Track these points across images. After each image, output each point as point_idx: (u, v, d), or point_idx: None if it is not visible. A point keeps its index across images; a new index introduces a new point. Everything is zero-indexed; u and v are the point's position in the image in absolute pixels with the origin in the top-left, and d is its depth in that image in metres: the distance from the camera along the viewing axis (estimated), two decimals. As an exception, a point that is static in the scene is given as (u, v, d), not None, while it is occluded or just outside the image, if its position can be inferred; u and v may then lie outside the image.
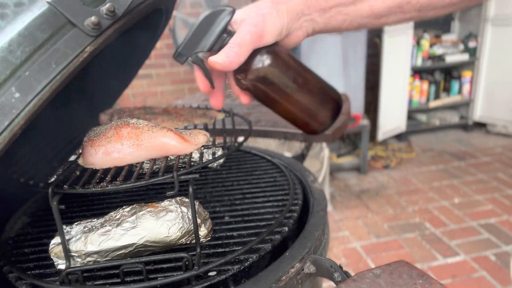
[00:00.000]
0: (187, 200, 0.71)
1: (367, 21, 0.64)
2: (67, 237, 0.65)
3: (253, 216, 0.81)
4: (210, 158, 0.70)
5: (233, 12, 0.58)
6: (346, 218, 2.82)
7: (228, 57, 0.56)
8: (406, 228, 2.65)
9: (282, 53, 0.61)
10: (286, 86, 0.62)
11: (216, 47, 0.57)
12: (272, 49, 0.60)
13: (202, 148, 0.72)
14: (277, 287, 0.64)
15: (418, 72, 4.10)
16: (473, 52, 4.07)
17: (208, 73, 0.60)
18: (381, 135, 3.76)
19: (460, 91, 4.26)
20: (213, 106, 0.65)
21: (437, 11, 0.63)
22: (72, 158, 0.74)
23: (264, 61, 0.59)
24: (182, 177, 0.61)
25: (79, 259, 0.64)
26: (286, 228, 0.75)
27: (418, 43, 3.93)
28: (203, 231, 0.69)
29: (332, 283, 0.65)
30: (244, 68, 0.59)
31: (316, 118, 0.66)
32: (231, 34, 0.58)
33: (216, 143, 0.76)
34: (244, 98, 0.65)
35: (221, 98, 0.65)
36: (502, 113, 4.03)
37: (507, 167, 3.40)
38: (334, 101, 0.66)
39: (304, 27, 0.63)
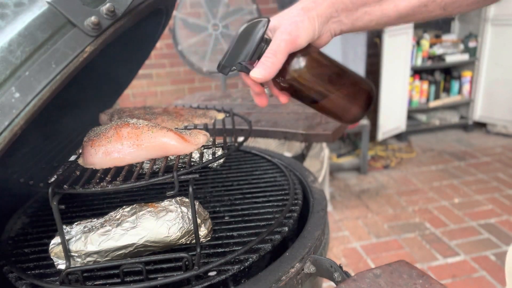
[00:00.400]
0: (187, 200, 0.71)
1: (392, 20, 0.66)
2: (67, 237, 0.65)
3: (253, 216, 0.81)
4: (210, 158, 0.70)
5: (268, 22, 0.62)
6: (346, 218, 2.82)
7: (265, 70, 0.61)
8: (406, 228, 2.65)
9: (315, 54, 0.66)
10: (320, 84, 0.67)
11: (255, 57, 0.63)
12: (306, 51, 0.64)
13: (202, 148, 0.72)
14: (277, 287, 0.64)
15: (418, 72, 4.10)
16: (473, 52, 4.07)
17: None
18: (381, 135, 3.76)
19: (460, 91, 4.26)
20: (259, 105, 0.69)
21: (461, 8, 0.65)
22: (72, 158, 0.74)
23: (299, 63, 0.64)
24: (182, 177, 0.61)
25: (79, 259, 0.64)
26: (286, 228, 0.75)
27: (418, 43, 3.93)
28: (203, 231, 0.69)
29: (332, 283, 0.65)
30: (282, 71, 0.63)
31: (351, 110, 0.70)
32: (267, 42, 0.62)
33: (216, 143, 0.76)
34: (283, 98, 0.69)
35: (265, 98, 0.69)
36: (502, 113, 4.02)
37: (507, 167, 3.40)
38: (367, 92, 0.70)
39: (332, 28, 0.66)
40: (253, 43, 0.62)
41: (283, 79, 0.65)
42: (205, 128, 0.87)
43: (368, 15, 0.65)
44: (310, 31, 0.62)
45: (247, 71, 0.63)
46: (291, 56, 0.63)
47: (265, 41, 0.62)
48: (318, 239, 0.76)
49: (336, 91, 0.67)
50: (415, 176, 3.38)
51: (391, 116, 3.77)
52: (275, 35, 0.62)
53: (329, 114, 0.71)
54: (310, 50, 0.65)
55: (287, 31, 0.61)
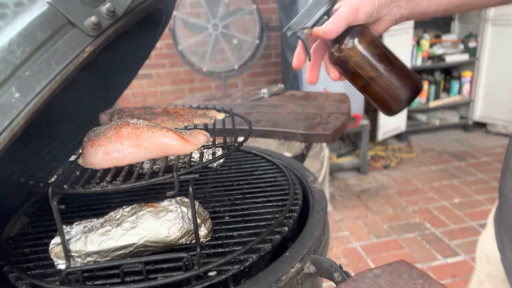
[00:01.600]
0: (187, 200, 0.71)
1: (451, 6, 0.70)
2: (67, 237, 0.65)
3: (253, 216, 0.81)
4: (210, 158, 0.70)
5: (335, 1, 0.70)
6: (346, 218, 2.82)
7: (328, 27, 0.67)
8: (406, 228, 2.65)
9: (371, 34, 0.70)
10: (372, 63, 0.69)
11: (318, 25, 0.69)
12: (363, 28, 0.69)
13: (202, 148, 0.72)
14: (277, 287, 0.64)
15: (418, 72, 4.09)
16: (473, 52, 4.07)
17: (308, 46, 0.71)
18: (381, 135, 3.76)
19: (460, 91, 4.26)
20: (308, 81, 0.74)
21: None
22: (72, 158, 0.74)
23: (356, 37, 0.68)
24: (182, 177, 0.61)
25: (79, 259, 0.64)
26: (286, 228, 0.75)
27: (418, 43, 3.92)
28: (203, 231, 0.69)
29: (332, 283, 0.65)
30: (339, 42, 0.69)
31: (396, 98, 0.71)
32: (330, 16, 0.69)
33: (216, 143, 0.76)
34: (333, 73, 0.73)
35: (316, 74, 0.74)
36: (502, 113, 4.02)
37: (507, 167, 3.39)
38: (415, 85, 0.72)
39: (393, 13, 0.70)
40: (318, 13, 0.69)
41: (337, 49, 0.69)
42: (205, 128, 0.87)
43: (427, 0, 0.68)
44: (370, 7, 0.68)
45: (305, 39, 0.70)
46: (350, 29, 0.68)
47: (328, 15, 0.69)
48: (318, 239, 0.76)
49: (386, 74, 0.69)
50: (415, 176, 3.38)
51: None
52: (339, 8, 0.68)
53: (372, 98, 0.73)
54: (366, 30, 0.70)
55: (350, 3, 0.67)
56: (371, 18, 0.69)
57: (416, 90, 0.71)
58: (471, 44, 4.04)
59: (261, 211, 0.83)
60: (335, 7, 0.69)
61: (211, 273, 0.65)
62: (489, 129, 4.20)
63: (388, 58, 0.70)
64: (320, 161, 2.75)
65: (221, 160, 0.91)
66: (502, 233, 0.84)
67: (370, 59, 0.69)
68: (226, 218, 0.82)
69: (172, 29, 2.99)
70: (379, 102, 0.73)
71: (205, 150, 0.76)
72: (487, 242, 0.92)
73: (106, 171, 0.65)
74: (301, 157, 1.66)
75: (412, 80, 0.71)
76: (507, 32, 3.84)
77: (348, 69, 0.71)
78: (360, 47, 0.68)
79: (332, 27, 0.66)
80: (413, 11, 0.69)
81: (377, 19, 0.70)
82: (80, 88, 0.88)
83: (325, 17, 0.69)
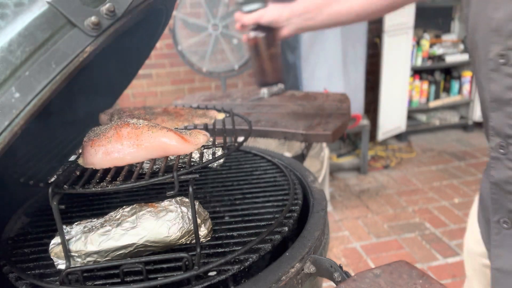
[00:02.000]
0: (187, 200, 0.71)
1: (333, 24, 1.08)
2: (67, 237, 0.65)
3: (253, 216, 0.81)
4: (210, 158, 0.70)
5: (265, 4, 1.11)
6: (346, 218, 2.82)
7: (246, 18, 1.09)
8: (406, 228, 2.65)
9: (270, 36, 1.12)
10: (258, 52, 1.15)
11: (248, 12, 1.13)
12: (269, 29, 1.11)
13: (202, 148, 0.72)
14: (277, 287, 0.64)
15: (418, 72, 4.10)
16: (473, 52, 4.06)
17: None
18: (381, 135, 3.76)
19: (460, 91, 4.26)
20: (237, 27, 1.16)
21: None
22: (72, 158, 0.74)
23: (258, 30, 1.12)
24: (182, 177, 0.61)
25: (79, 259, 0.64)
26: (286, 228, 0.75)
27: (418, 43, 3.92)
28: (203, 231, 0.69)
29: (332, 283, 0.65)
30: (255, 29, 1.12)
31: (260, 77, 1.19)
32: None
33: (216, 143, 0.76)
34: (244, 36, 1.15)
35: (241, 29, 1.16)
36: (502, 113, 4.02)
37: (507, 167, 3.39)
38: (275, 78, 1.20)
39: (290, 25, 1.08)
40: (254, 5, 1.11)
41: (254, 31, 1.13)
42: (205, 128, 0.87)
43: (312, 21, 1.05)
44: (271, 18, 1.07)
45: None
46: (263, 26, 1.10)
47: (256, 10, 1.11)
48: (318, 239, 0.76)
49: (266, 62, 1.16)
50: (415, 176, 3.38)
51: (391, 116, 3.77)
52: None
53: (256, 71, 1.19)
54: (271, 32, 1.11)
55: (264, 10, 1.08)
56: (273, 24, 1.08)
57: (273, 82, 1.20)
58: (471, 44, 4.04)
59: (261, 211, 0.83)
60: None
61: (211, 273, 0.65)
62: (489, 129, 4.20)
63: (275, 54, 1.14)
64: (320, 161, 2.75)
65: (221, 160, 0.91)
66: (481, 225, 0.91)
67: (257, 49, 1.14)
68: (226, 218, 0.82)
69: (172, 29, 2.99)
70: (254, 72, 1.20)
71: (205, 150, 0.76)
72: (468, 237, 1.02)
73: (106, 171, 0.65)
74: (301, 157, 1.66)
75: (275, 75, 1.18)
76: (507, 32, 3.83)
77: (254, 46, 1.15)
78: (256, 39, 1.13)
79: (246, 20, 1.09)
80: (303, 28, 1.07)
81: (281, 27, 1.08)
82: (80, 88, 0.88)
83: (255, 9, 1.11)
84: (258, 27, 1.10)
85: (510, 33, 0.65)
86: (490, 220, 0.78)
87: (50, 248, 0.65)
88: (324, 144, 2.81)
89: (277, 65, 1.17)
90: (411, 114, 4.24)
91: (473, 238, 0.96)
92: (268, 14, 1.06)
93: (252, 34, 1.13)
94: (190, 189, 0.62)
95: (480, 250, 0.92)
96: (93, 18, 0.51)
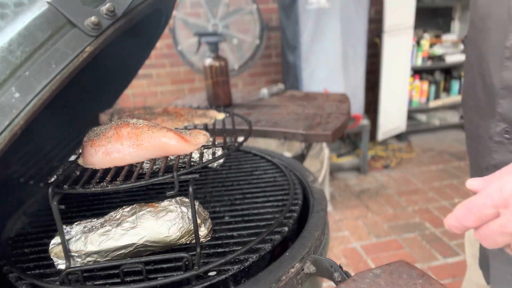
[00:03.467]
0: (187, 200, 0.71)
1: None
2: (67, 237, 0.65)
3: (253, 216, 0.81)
4: (210, 158, 0.70)
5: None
6: (346, 218, 2.82)
7: None
8: (406, 228, 2.65)
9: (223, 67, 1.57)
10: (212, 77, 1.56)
11: None
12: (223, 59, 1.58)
13: (202, 148, 0.72)
14: (277, 287, 0.64)
15: (418, 72, 4.10)
16: (473, 52, 4.06)
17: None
18: (381, 135, 3.76)
19: (460, 91, 4.26)
20: None
21: None
22: (72, 158, 0.74)
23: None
24: (182, 177, 0.61)
25: (79, 259, 0.64)
26: (286, 228, 0.75)
27: (418, 43, 3.92)
28: (203, 231, 0.69)
29: (332, 283, 0.65)
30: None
31: (216, 100, 1.62)
32: None
33: (216, 143, 0.76)
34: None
35: None
36: (502, 113, 4.02)
37: (507, 167, 3.39)
38: (224, 102, 1.64)
39: None
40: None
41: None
42: (205, 128, 0.87)
43: None
44: None
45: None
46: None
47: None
48: (318, 239, 0.76)
49: (214, 88, 1.59)
50: (415, 176, 3.38)
51: (391, 116, 3.77)
52: None
53: (210, 95, 1.63)
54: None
55: None
56: None
57: (225, 105, 1.60)
58: (471, 44, 4.04)
59: (261, 211, 0.83)
60: None
61: (211, 273, 0.65)
62: (489, 129, 4.19)
63: (223, 83, 1.58)
64: (320, 161, 2.75)
65: (221, 160, 0.91)
66: None
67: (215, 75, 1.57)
68: (226, 218, 0.82)
69: (172, 29, 2.99)
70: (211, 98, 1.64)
71: (205, 150, 0.76)
72: None
73: (106, 171, 0.65)
74: (301, 157, 1.66)
75: (222, 101, 1.61)
76: (507, 32, 3.83)
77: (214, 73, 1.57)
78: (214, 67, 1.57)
79: None
80: None
81: None
82: (80, 88, 0.88)
83: (214, 41, 1.62)
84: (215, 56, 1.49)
85: None
86: None
87: (50, 248, 0.65)
88: (324, 144, 2.81)
89: (224, 92, 1.57)
90: (411, 114, 4.24)
91: None
92: None
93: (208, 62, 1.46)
94: (190, 189, 0.62)
95: None
96: (93, 18, 0.51)
